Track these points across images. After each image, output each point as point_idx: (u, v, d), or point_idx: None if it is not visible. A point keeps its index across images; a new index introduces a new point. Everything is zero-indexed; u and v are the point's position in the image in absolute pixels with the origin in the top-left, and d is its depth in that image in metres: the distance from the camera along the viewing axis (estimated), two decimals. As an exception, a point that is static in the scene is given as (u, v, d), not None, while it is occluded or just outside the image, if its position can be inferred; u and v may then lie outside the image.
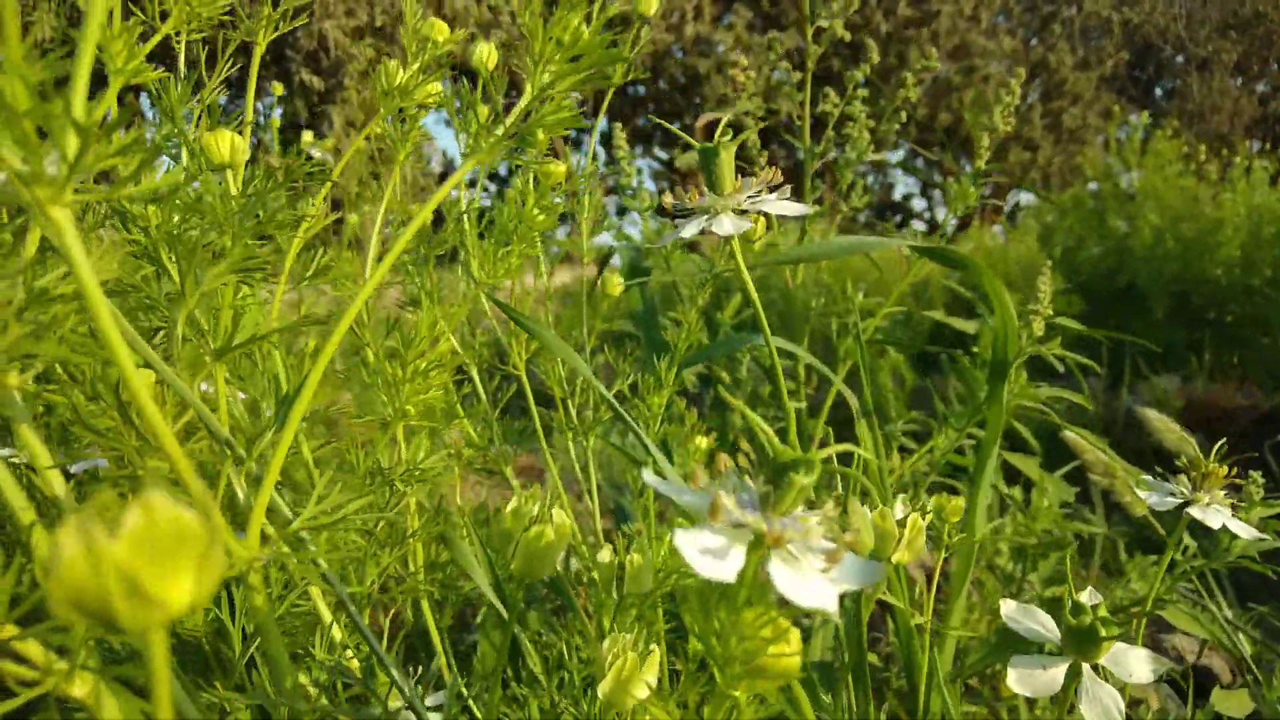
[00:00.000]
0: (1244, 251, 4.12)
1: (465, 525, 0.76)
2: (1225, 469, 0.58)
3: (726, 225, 0.40)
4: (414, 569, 0.71)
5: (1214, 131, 19.19)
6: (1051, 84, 18.30)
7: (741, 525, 0.25)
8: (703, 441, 0.85)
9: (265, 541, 0.39)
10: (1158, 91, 22.88)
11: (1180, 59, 21.31)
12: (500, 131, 0.41)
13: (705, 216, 0.41)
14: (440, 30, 0.69)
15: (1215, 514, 0.56)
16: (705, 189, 0.41)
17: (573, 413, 0.86)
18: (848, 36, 1.16)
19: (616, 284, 0.95)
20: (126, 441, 0.38)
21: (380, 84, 0.66)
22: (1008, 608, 0.48)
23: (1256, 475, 0.82)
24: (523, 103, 0.43)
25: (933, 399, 2.38)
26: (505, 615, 0.70)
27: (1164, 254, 4.20)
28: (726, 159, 0.41)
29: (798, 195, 1.32)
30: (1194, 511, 0.57)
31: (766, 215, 0.48)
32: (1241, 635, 1.26)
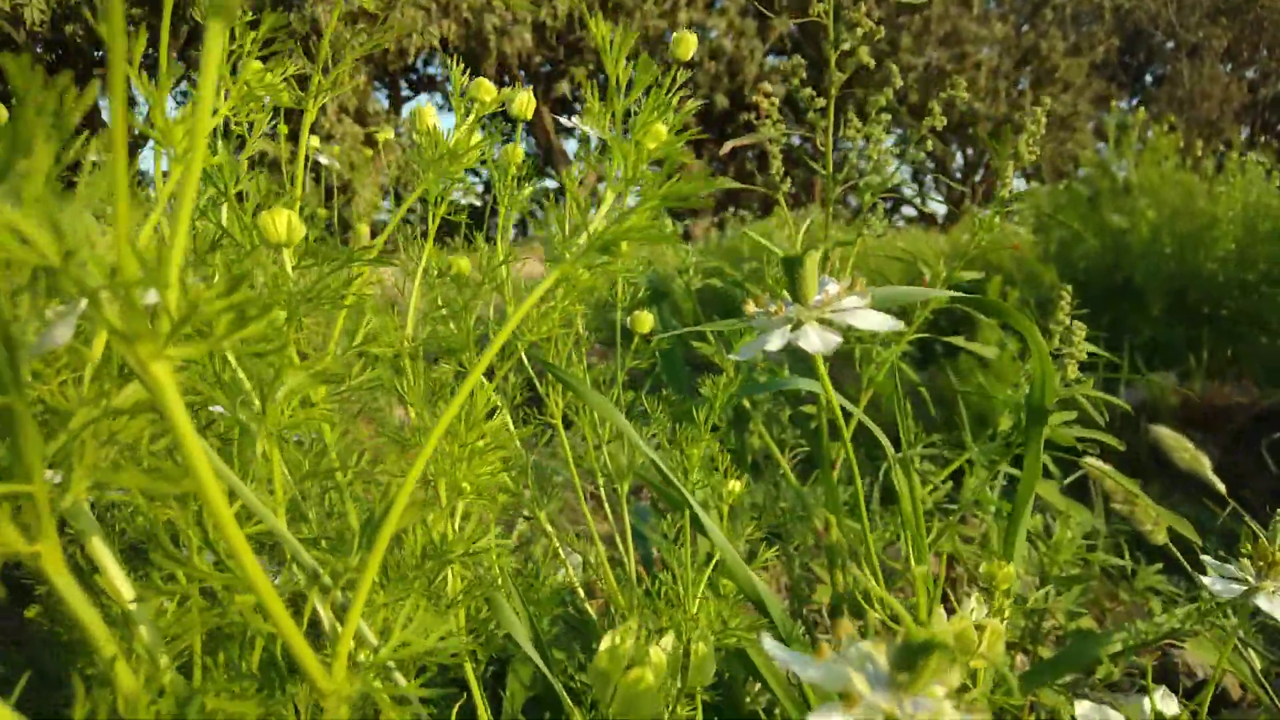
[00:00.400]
0: (1239, 247, 4.14)
1: (504, 581, 0.76)
2: None
3: (815, 342, 0.39)
4: (456, 629, 0.71)
5: (1204, 118, 19.24)
6: (1043, 71, 18.29)
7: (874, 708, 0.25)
8: (736, 485, 0.85)
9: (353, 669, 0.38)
10: (1148, 78, 22.90)
11: (1171, 45, 21.32)
12: (583, 241, 0.41)
13: (789, 326, 0.40)
14: (487, 91, 0.68)
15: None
16: (788, 297, 0.41)
17: (607, 459, 0.85)
18: (873, 64, 1.15)
19: (647, 321, 0.95)
20: (212, 574, 0.37)
21: (424, 148, 0.64)
22: (1082, 709, 0.48)
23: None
24: (603, 210, 0.42)
25: (928, 405, 2.38)
26: (546, 672, 0.70)
27: (1161, 250, 4.21)
28: (810, 268, 0.41)
29: (820, 207, 1.30)
30: (1260, 602, 0.57)
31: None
32: (1252, 651, 1.27)
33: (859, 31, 1.17)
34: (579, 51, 18.02)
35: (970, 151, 17.65)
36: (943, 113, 1.25)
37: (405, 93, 18.97)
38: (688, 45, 0.92)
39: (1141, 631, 1.00)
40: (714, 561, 0.82)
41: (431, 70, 18.21)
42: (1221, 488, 1.46)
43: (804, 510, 1.22)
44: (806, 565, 1.28)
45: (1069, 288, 1.31)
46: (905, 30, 15.57)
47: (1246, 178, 4.34)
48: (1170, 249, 4.26)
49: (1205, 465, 1.47)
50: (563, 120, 0.86)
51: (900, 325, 0.40)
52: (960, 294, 0.78)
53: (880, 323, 0.40)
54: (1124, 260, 4.33)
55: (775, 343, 0.40)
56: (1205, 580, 0.58)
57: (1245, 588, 0.57)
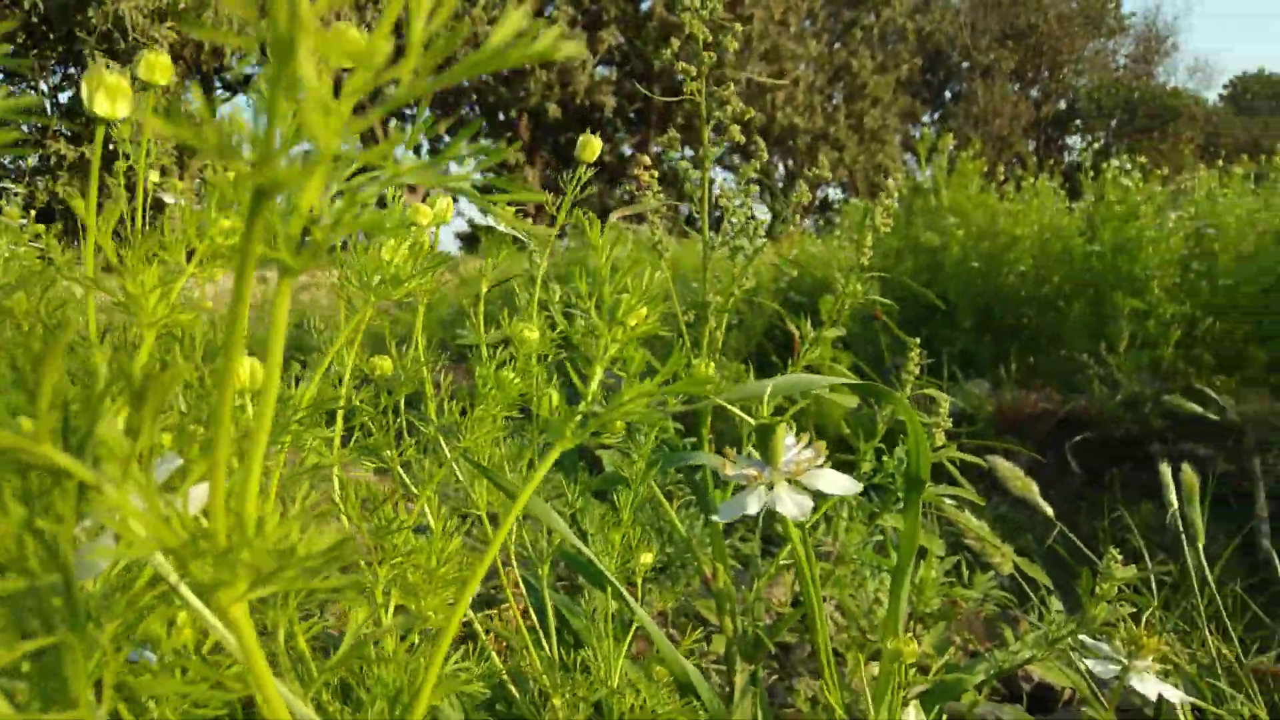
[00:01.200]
0: (1035, 265, 4.55)
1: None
2: (1157, 640, 0.67)
3: (791, 508, 0.46)
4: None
5: (997, 133, 20.98)
6: (854, 87, 19.40)
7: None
8: (648, 558, 0.91)
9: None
10: (947, 94, 24.70)
11: (966, 65, 23.11)
12: (577, 425, 0.45)
13: (764, 489, 0.46)
14: (423, 214, 0.71)
15: (1151, 684, 0.66)
16: (761, 459, 0.47)
17: (528, 545, 0.89)
18: (742, 140, 1.24)
19: (553, 399, 0.98)
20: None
21: (353, 274, 0.66)
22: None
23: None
24: (593, 386, 0.47)
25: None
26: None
27: (970, 268, 4.58)
28: (780, 436, 0.47)
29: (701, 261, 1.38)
30: (1133, 682, 0.67)
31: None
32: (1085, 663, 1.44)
33: (729, 110, 1.25)
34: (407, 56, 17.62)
35: (791, 163, 18.50)
36: (765, 126, 1.34)
37: (220, 92, 18.02)
38: (593, 149, 0.98)
39: (1000, 660, 1.13)
40: (632, 628, 0.87)
41: (249, 71, 17.38)
42: (1049, 511, 1.64)
43: (692, 556, 1.29)
44: (694, 608, 1.35)
45: (917, 341, 1.44)
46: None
47: (1040, 200, 4.77)
48: (978, 266, 4.63)
49: (1034, 491, 1.64)
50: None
51: (859, 487, 0.46)
52: (853, 384, 0.87)
53: (844, 486, 0.47)
54: (938, 277, 4.68)
55: (753, 507, 0.45)
56: (1087, 663, 0.68)
57: (1120, 668, 0.67)
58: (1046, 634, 1.12)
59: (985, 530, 1.23)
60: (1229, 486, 3.26)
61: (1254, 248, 3.82)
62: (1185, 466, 1.64)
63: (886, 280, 4.97)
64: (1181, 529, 1.62)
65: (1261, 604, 2.89)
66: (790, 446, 0.48)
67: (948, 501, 1.29)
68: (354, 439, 0.79)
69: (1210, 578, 1.69)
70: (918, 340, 4.15)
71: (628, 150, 20.42)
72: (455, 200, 0.85)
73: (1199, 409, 3.43)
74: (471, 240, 24.64)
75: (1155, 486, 3.54)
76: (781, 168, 18.68)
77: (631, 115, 19.27)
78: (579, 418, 0.46)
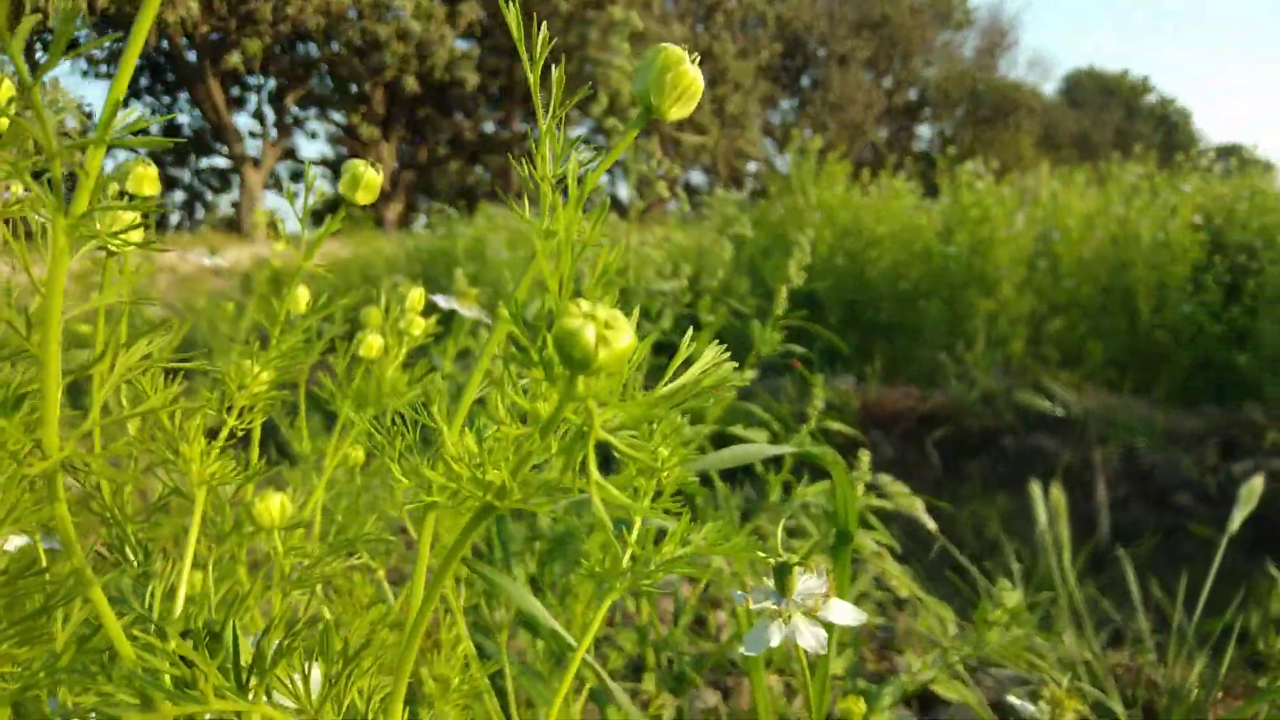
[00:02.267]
0: (896, 263, 4.79)
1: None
2: (1078, 702, 0.76)
3: (809, 640, 0.51)
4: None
5: (852, 120, 21.80)
6: (716, 71, 19.73)
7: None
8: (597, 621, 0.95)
9: None
10: (805, 81, 25.46)
11: (823, 53, 23.87)
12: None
13: (782, 620, 0.51)
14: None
15: None
16: (774, 589, 0.51)
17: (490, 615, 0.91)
18: (668, 195, 1.28)
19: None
20: None
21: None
22: None
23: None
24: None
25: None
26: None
27: (836, 266, 4.78)
28: (795, 575, 0.52)
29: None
30: None
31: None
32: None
33: (653, 162, 1.29)
34: (252, 22, 16.76)
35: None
36: (624, 106, 1.39)
37: (41, 57, 16.66)
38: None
39: (905, 683, 1.23)
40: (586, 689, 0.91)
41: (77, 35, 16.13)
42: (932, 525, 1.76)
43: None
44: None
45: (819, 365, 1.52)
46: (593, 26, 16.10)
47: (900, 201, 5.01)
48: (843, 264, 4.84)
49: (919, 506, 1.76)
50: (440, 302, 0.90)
51: (864, 617, 0.52)
52: (794, 450, 0.94)
53: (852, 617, 0.52)
54: (807, 274, 4.86)
55: (776, 639, 0.50)
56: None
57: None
58: (944, 657, 1.23)
59: (904, 577, 1.33)
60: (1074, 476, 3.56)
61: (1093, 253, 4.15)
62: (1054, 489, 1.79)
63: (758, 274, 5.12)
64: (1051, 543, 1.78)
65: (1101, 586, 3.17)
66: (803, 579, 0.53)
67: (868, 551, 1.38)
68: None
69: (1070, 577, 1.87)
70: (790, 335, 4.26)
71: (491, 127, 20.12)
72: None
73: (1046, 405, 3.72)
74: (322, 216, 23.64)
75: (1009, 477, 3.81)
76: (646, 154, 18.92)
77: (495, 92, 18.98)
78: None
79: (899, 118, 23.68)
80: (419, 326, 0.80)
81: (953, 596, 2.76)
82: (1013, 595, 1.24)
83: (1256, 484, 1.86)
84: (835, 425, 1.64)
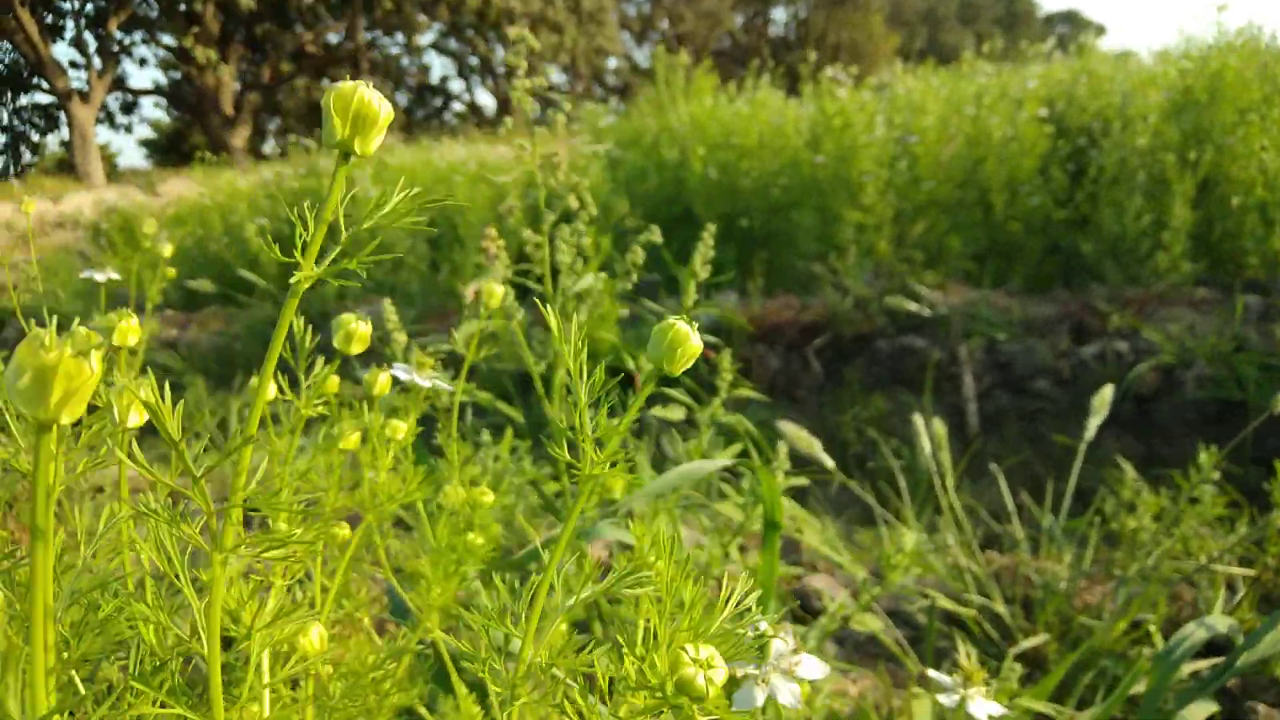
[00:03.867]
0: (764, 174, 4.91)
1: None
2: (982, 673, 0.91)
3: (787, 697, 0.62)
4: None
5: (706, 10, 21.56)
6: (567, -36, 19.12)
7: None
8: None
9: None
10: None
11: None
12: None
13: (763, 681, 0.62)
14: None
15: (982, 706, 0.89)
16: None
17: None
18: (577, 206, 1.34)
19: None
20: None
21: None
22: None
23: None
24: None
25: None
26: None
27: (711, 182, 4.87)
28: (771, 644, 0.63)
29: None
30: (970, 708, 0.90)
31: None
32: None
33: (572, 184, 1.35)
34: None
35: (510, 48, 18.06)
36: (480, 8, 1.43)
37: None
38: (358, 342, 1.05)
39: (825, 625, 1.40)
40: None
41: None
42: (830, 464, 1.92)
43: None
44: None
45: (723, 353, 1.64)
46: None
47: (770, 112, 5.10)
48: (716, 177, 4.93)
49: (817, 447, 1.92)
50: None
51: (827, 669, 0.63)
52: (738, 463, 1.05)
53: (820, 671, 0.64)
54: (683, 192, 4.95)
55: (760, 699, 0.61)
56: (939, 697, 0.91)
57: (960, 695, 0.91)
58: (858, 597, 1.40)
59: (824, 548, 1.48)
60: (943, 371, 3.84)
61: (949, 153, 4.37)
62: (936, 421, 1.98)
63: (635, 194, 5.17)
64: (935, 468, 1.97)
65: (971, 479, 3.48)
66: (777, 644, 0.64)
67: (789, 425, 1.52)
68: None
69: (952, 498, 2.08)
70: (671, 253, 4.45)
71: (334, 38, 19.02)
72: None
73: (913, 306, 3.97)
74: (166, 150, 22.03)
75: (885, 377, 4.07)
76: (500, 51, 18.25)
77: (335, 1, 17.87)
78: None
79: (754, 3, 23.55)
80: (398, 431, 0.86)
81: (854, 504, 3.00)
82: (910, 537, 1.41)
83: (1106, 392, 2.09)
84: (746, 391, 1.76)
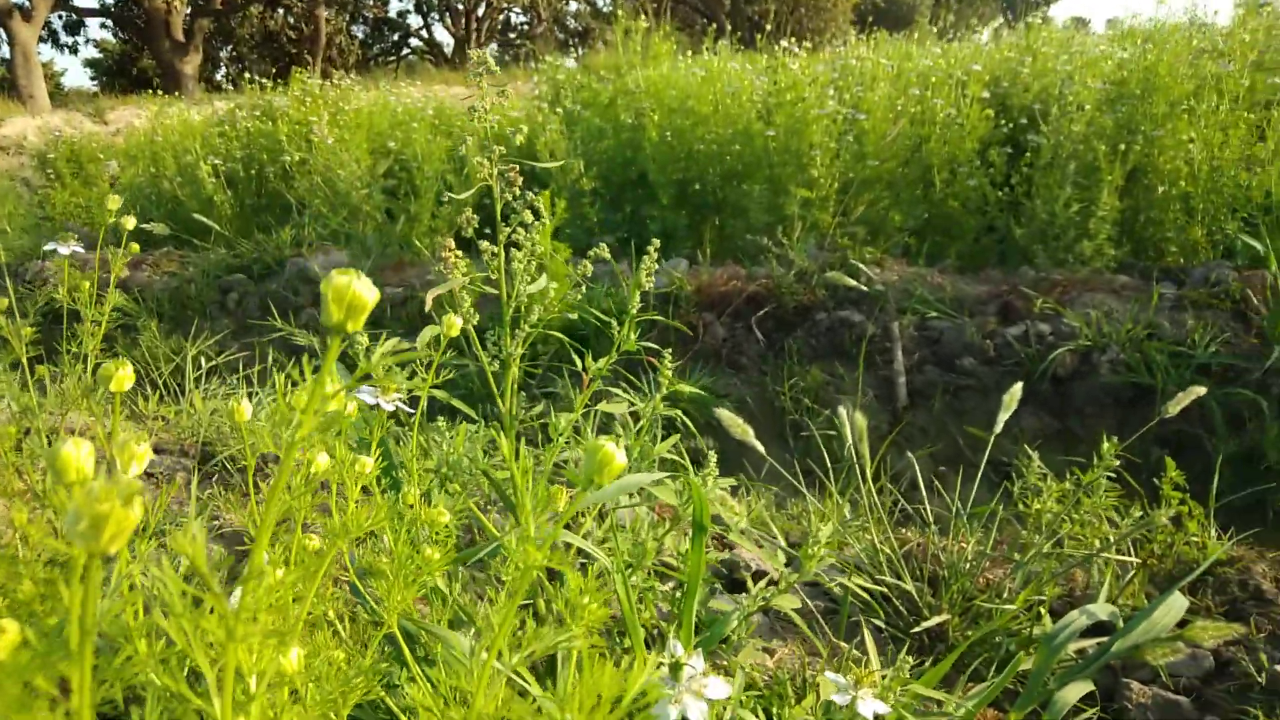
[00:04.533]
0: (719, 142, 5.00)
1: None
2: (874, 676, 1.07)
3: (696, 714, 0.76)
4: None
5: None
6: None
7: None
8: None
9: None
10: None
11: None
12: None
13: (677, 700, 0.76)
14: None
15: (870, 706, 1.05)
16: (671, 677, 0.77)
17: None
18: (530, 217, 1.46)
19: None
20: None
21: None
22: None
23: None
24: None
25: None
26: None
27: (668, 147, 4.96)
28: (683, 668, 0.77)
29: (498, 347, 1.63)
30: (860, 707, 1.06)
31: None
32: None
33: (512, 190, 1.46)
34: None
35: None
36: None
37: None
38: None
39: (747, 606, 1.56)
40: None
41: None
42: (761, 449, 2.08)
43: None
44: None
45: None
46: None
47: (726, 78, 5.16)
48: (672, 141, 5.01)
49: (750, 434, 2.07)
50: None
51: (730, 689, 0.78)
52: (668, 476, 1.19)
53: (724, 692, 0.78)
54: (639, 157, 5.03)
55: (674, 714, 0.76)
56: (833, 697, 1.07)
57: (852, 695, 1.06)
58: (781, 580, 1.57)
59: (747, 543, 1.63)
60: (877, 345, 4.02)
61: (895, 134, 4.50)
62: (858, 416, 2.14)
63: (592, 155, 5.24)
64: (855, 458, 2.14)
65: (898, 451, 3.69)
66: (690, 666, 0.79)
67: (724, 412, 1.68)
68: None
69: (868, 474, 2.26)
70: (624, 216, 4.63)
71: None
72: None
73: (852, 281, 4.14)
74: (114, 73, 21.15)
75: (823, 349, 4.25)
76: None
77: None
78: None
79: None
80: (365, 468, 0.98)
81: (789, 462, 3.17)
82: (826, 529, 1.57)
83: (1016, 390, 2.28)
84: (685, 393, 1.89)
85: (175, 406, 3.53)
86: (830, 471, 2.69)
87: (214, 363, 4.23)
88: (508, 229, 1.43)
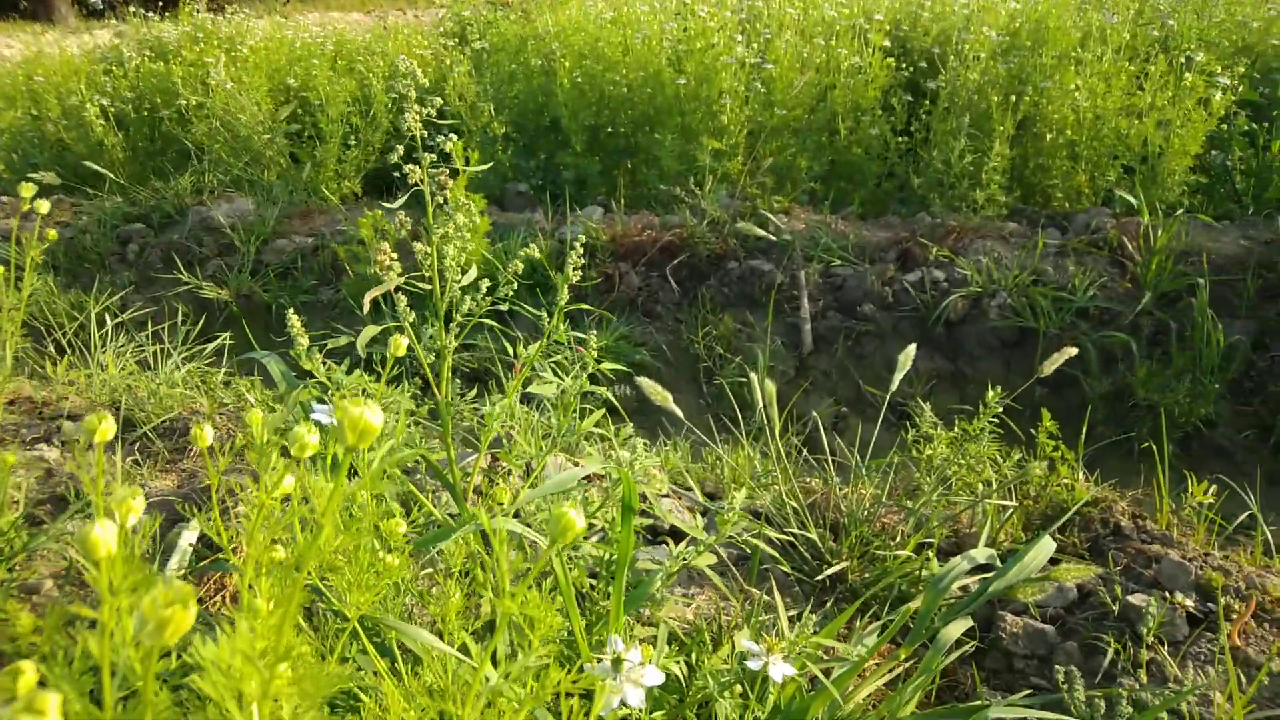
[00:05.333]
0: (632, 85, 5.04)
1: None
2: (782, 642, 1.23)
3: (634, 699, 0.90)
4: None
5: None
6: None
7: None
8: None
9: None
10: None
11: None
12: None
13: (616, 684, 0.90)
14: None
15: (779, 668, 1.21)
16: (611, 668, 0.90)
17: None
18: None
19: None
20: None
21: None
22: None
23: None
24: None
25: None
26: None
27: (580, 93, 4.97)
28: (624, 660, 0.91)
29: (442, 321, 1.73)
30: (770, 670, 1.22)
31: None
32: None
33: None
34: None
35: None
36: None
37: None
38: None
39: (670, 566, 1.73)
40: None
41: None
42: (680, 413, 2.23)
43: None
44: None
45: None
46: None
47: (638, 22, 5.17)
48: (585, 89, 5.03)
49: (669, 400, 2.22)
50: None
51: (663, 676, 0.92)
52: (600, 467, 1.32)
53: (657, 679, 0.92)
54: (551, 102, 5.04)
55: (615, 703, 0.90)
56: (747, 664, 1.23)
57: (764, 661, 1.23)
58: (702, 546, 1.73)
59: (671, 517, 1.78)
60: (785, 292, 4.20)
61: (802, 84, 4.62)
62: (768, 382, 2.30)
63: (503, 99, 5.22)
64: (765, 421, 2.31)
65: (805, 396, 3.89)
66: (629, 654, 0.93)
67: (646, 380, 1.82)
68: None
69: (776, 433, 2.43)
70: (538, 162, 4.75)
71: None
72: None
73: (761, 232, 4.29)
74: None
75: (735, 297, 4.42)
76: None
77: None
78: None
79: None
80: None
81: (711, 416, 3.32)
82: (739, 497, 1.73)
83: (910, 350, 2.47)
84: (606, 372, 2.01)
85: (85, 370, 3.50)
86: (741, 421, 2.86)
87: (119, 319, 4.16)
88: (418, 179, 1.50)
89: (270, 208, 5.26)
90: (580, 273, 1.69)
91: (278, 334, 4.66)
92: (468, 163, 4.34)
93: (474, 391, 1.88)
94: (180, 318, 4.37)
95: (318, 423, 1.23)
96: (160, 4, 8.23)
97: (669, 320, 4.23)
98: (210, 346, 3.83)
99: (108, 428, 0.94)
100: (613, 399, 2.25)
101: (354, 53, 7.27)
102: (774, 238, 4.27)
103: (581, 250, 1.62)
